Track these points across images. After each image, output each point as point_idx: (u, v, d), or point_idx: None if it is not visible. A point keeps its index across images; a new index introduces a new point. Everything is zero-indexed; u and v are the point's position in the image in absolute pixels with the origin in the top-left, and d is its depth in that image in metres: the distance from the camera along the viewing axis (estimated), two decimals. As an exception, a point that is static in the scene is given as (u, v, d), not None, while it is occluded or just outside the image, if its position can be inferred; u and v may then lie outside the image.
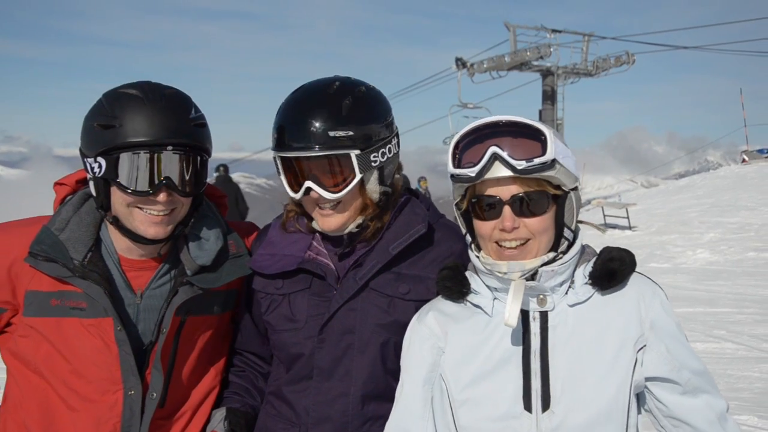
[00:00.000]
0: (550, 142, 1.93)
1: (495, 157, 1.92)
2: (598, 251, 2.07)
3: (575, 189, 2.03)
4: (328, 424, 2.31)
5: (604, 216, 23.22)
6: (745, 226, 19.28)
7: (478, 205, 2.00)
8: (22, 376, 2.36)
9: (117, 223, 2.32)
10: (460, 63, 34.17)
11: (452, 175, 2.01)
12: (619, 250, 2.03)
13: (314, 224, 2.40)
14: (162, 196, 2.25)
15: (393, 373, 2.30)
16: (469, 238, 2.09)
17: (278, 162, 2.33)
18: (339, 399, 2.31)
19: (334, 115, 2.27)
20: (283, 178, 2.34)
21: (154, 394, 2.35)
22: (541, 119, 33.23)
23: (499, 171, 1.92)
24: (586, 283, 2.01)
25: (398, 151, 2.42)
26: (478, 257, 2.05)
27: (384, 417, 2.27)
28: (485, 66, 33.87)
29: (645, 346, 1.98)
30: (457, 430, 2.01)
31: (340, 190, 2.28)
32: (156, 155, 2.22)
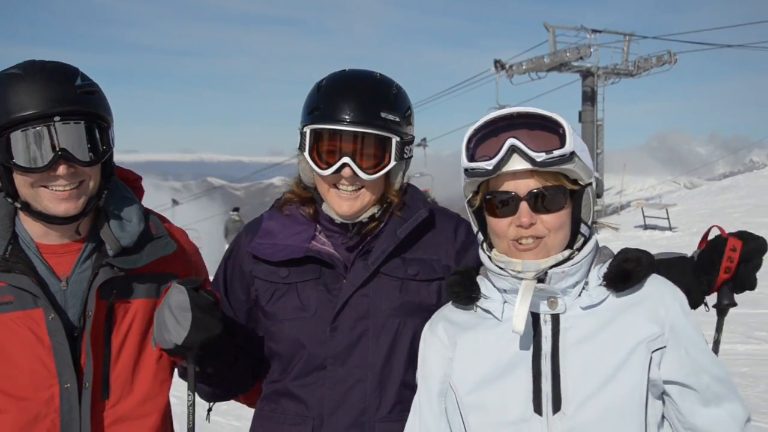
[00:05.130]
0: (568, 134, 1.87)
1: (513, 149, 1.85)
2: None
3: (590, 184, 1.96)
4: (345, 411, 2.30)
5: (644, 217, 22.96)
6: (789, 227, 18.92)
7: (493, 201, 1.92)
8: None
9: (28, 208, 2.24)
10: (499, 65, 33.98)
11: (466, 170, 1.93)
12: (637, 250, 1.97)
13: (325, 207, 2.39)
14: (62, 170, 2.17)
15: (410, 357, 2.30)
16: (480, 236, 2.03)
17: (311, 136, 2.32)
18: (356, 386, 2.30)
19: (386, 98, 2.36)
20: (308, 154, 2.33)
21: (87, 384, 2.25)
22: (581, 120, 32.94)
23: (517, 164, 1.85)
24: (600, 285, 1.94)
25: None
26: (489, 257, 1.99)
27: (403, 402, 2.27)
28: (524, 67, 33.63)
29: (664, 347, 1.90)
30: None
31: (374, 173, 2.31)
32: (45, 128, 2.14)
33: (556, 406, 1.87)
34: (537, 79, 33.92)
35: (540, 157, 1.85)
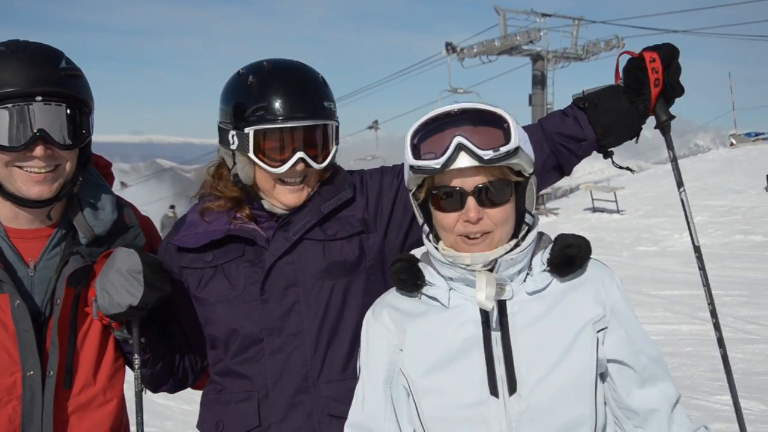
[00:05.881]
0: (513, 129, 1.87)
1: (460, 147, 1.84)
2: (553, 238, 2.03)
3: (533, 173, 1.97)
4: (288, 379, 2.31)
5: (593, 200, 23.32)
6: (732, 209, 19.46)
7: (439, 196, 1.92)
8: None
9: (0, 189, 2.21)
10: (450, 48, 34.02)
11: (412, 167, 1.92)
12: (575, 236, 2.00)
13: (266, 204, 2.40)
14: (39, 151, 2.13)
15: (345, 317, 2.34)
16: (426, 228, 2.02)
17: (255, 137, 2.29)
18: (295, 352, 2.31)
19: (321, 88, 2.38)
20: (254, 155, 2.30)
21: (51, 372, 2.22)
22: (531, 104, 33.23)
23: (464, 161, 1.85)
24: (544, 270, 1.97)
25: None
26: (437, 248, 1.99)
27: (346, 361, 2.31)
28: (475, 50, 33.71)
29: (606, 328, 1.95)
30: (422, 423, 1.95)
31: (324, 161, 2.35)
32: (26, 107, 2.11)
33: (512, 388, 1.89)
34: (488, 63, 34.06)
35: (487, 155, 1.83)
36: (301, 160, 2.29)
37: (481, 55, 33.76)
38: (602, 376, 1.98)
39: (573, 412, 1.89)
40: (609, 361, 1.96)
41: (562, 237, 2.00)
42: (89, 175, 2.35)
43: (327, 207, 2.38)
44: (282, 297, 2.33)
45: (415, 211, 2.03)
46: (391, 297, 2.11)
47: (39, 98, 2.13)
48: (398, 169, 2.48)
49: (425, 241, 2.04)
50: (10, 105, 2.11)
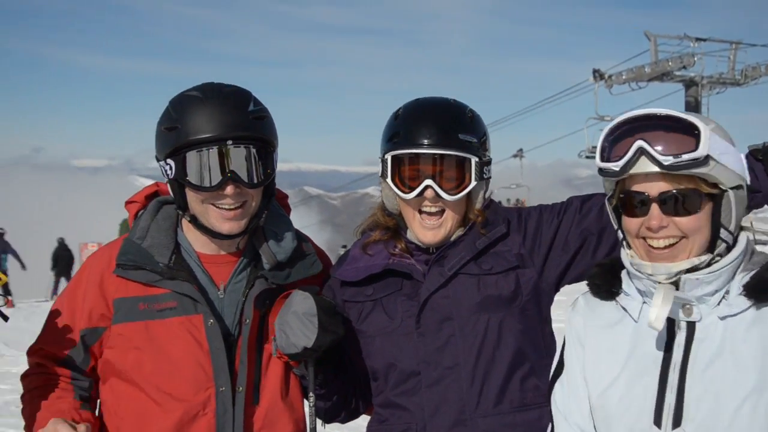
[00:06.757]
0: (704, 138, 1.80)
1: (641, 151, 1.82)
2: None
3: (739, 187, 1.88)
4: (444, 412, 2.34)
5: (753, 232, 22.04)
6: None
7: (627, 200, 1.92)
8: (115, 384, 2.44)
9: (195, 221, 2.42)
10: (598, 75, 33.26)
11: (599, 169, 1.94)
12: None
13: (410, 235, 2.47)
14: (229, 190, 2.33)
15: (497, 348, 2.36)
16: (620, 234, 1.99)
17: (392, 162, 2.41)
18: (451, 385, 2.34)
19: (462, 122, 2.42)
20: (391, 180, 2.42)
21: (240, 388, 2.39)
22: (684, 131, 31.81)
23: (646, 166, 1.83)
24: (741, 294, 1.84)
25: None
26: (627, 256, 1.97)
27: (496, 390, 2.32)
28: (624, 77, 32.76)
29: None
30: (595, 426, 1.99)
31: (456, 194, 2.38)
32: (218, 150, 2.31)
33: (677, 421, 1.82)
34: (637, 89, 33.01)
35: (667, 160, 1.80)
36: (429, 187, 2.35)
37: (630, 82, 32.77)
38: None
39: None
40: None
41: None
42: (272, 206, 2.54)
43: (482, 243, 2.41)
44: (438, 330, 2.37)
45: (610, 216, 2.02)
46: (589, 296, 2.11)
47: (230, 142, 2.32)
48: (558, 208, 2.49)
49: (621, 250, 2.01)
50: (204, 149, 2.32)
